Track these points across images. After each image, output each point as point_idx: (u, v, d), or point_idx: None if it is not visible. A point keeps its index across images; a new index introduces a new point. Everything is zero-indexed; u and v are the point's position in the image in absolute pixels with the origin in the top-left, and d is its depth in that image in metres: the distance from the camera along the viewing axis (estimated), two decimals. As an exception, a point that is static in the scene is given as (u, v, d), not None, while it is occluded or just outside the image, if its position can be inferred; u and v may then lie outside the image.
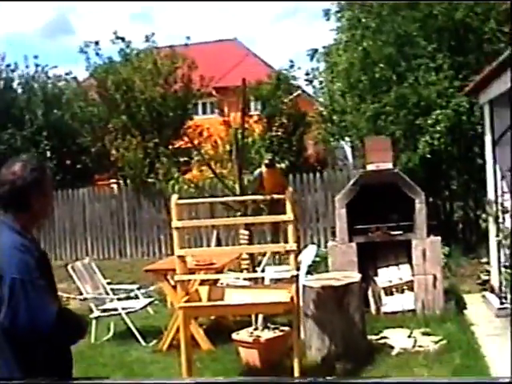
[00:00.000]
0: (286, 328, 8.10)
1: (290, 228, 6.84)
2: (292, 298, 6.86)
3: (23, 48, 56.29)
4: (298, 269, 8.60)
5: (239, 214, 9.59)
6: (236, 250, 7.61)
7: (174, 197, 7.12)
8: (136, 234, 16.53)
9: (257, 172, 7.52)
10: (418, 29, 13.56)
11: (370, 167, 9.90)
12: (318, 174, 15.43)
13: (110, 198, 16.92)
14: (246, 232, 7.61)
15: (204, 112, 27.49)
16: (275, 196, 7.14)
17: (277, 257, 10.59)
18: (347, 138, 18.54)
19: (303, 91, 18.83)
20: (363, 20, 14.22)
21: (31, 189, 3.67)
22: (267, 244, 8.66)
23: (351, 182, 10.06)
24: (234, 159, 8.10)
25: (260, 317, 8.08)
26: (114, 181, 19.99)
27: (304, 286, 7.96)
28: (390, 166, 9.84)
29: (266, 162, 7.52)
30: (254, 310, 7.41)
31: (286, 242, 6.97)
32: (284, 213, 6.88)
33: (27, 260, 3.56)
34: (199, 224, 9.82)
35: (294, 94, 18.50)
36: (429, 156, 12.77)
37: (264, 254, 9.93)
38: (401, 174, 9.78)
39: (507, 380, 3.03)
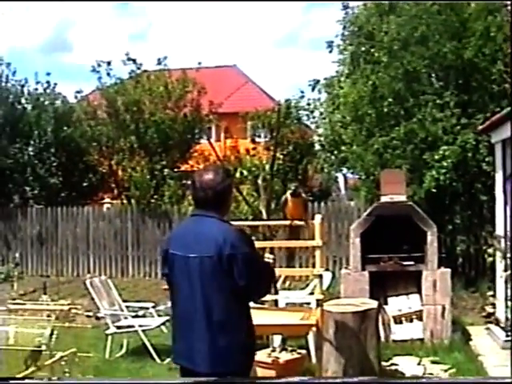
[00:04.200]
0: (303, 351, 8.36)
1: (318, 253, 7.12)
2: (317, 321, 7.11)
3: (22, 64, 56.56)
4: (311, 293, 8.91)
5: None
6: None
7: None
8: (139, 254, 16.68)
9: (283, 198, 7.81)
10: (427, 66, 13.96)
11: (384, 199, 10.23)
12: (322, 204, 15.69)
13: (114, 217, 17.10)
14: (272, 256, 7.85)
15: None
16: (294, 222, 7.46)
17: (287, 282, 10.84)
18: (344, 170, 18.93)
19: (298, 119, 19.02)
20: (375, 54, 14.57)
21: (227, 191, 4.70)
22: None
23: (366, 212, 10.38)
24: (262, 186, 8.40)
25: (278, 339, 8.32)
26: (108, 201, 20.24)
27: (322, 311, 8.22)
28: (403, 198, 10.18)
29: (291, 190, 7.81)
30: (280, 331, 7.66)
31: (313, 266, 7.23)
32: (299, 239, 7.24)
33: (250, 238, 4.87)
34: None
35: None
36: (434, 190, 13.11)
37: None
38: (414, 207, 10.12)
39: (507, 380, 3.15)
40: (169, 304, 10.98)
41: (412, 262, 10.05)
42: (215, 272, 4.49)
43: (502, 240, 10.07)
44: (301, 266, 12.46)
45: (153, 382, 4.18)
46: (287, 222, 7.64)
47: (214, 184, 4.59)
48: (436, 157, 13.12)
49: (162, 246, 5.05)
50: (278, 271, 8.19)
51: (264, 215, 8.17)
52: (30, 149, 18.21)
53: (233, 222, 9.20)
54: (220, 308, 4.54)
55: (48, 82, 18.86)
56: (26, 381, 4.15)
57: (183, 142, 17.77)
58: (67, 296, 14.45)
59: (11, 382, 4.06)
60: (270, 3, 64.00)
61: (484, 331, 10.50)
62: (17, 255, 17.00)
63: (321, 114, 19.38)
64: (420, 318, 9.94)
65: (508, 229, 9.93)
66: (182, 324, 4.71)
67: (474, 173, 13.46)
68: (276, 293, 8.39)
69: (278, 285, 10.21)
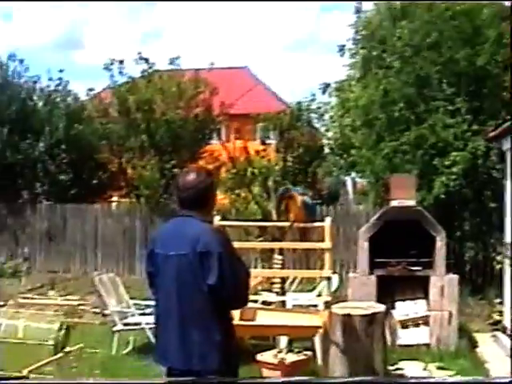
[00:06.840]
0: (309, 352, 8.37)
1: (327, 256, 7.14)
2: (324, 323, 7.13)
3: (34, 61, 56.79)
4: (319, 295, 8.92)
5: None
6: (275, 274, 7.89)
7: (217, 218, 7.41)
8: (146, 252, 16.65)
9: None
10: (439, 72, 13.96)
11: (393, 203, 10.23)
12: (330, 207, 15.69)
13: (123, 215, 17.16)
14: (280, 257, 7.92)
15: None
16: (295, 224, 7.53)
17: (295, 284, 10.84)
18: (353, 173, 18.94)
19: (308, 122, 19.03)
20: (387, 59, 14.59)
21: (209, 190, 4.80)
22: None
23: (375, 216, 10.39)
24: (272, 187, 8.46)
25: (284, 340, 8.34)
26: (116, 199, 20.29)
27: (330, 313, 8.23)
28: (413, 203, 10.18)
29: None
30: (287, 332, 7.68)
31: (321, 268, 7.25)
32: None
33: (226, 238, 4.77)
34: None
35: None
36: (443, 196, 13.11)
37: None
38: (423, 212, 10.11)
39: (507, 380, 3.14)
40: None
41: (420, 268, 10.05)
42: (190, 270, 4.58)
43: (510, 247, 10.07)
44: (308, 268, 12.47)
45: (149, 382, 4.14)
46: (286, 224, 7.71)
47: (195, 183, 4.72)
48: (446, 163, 13.13)
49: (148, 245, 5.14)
50: (287, 273, 8.26)
51: (274, 216, 8.21)
52: (41, 145, 18.23)
53: (240, 223, 9.28)
54: (193, 306, 4.60)
55: (60, 79, 18.98)
56: (26, 381, 4.17)
57: (194, 142, 17.79)
58: (74, 292, 14.51)
59: (11, 381, 4.09)
60: (284, 7, 64.26)
61: (490, 338, 10.49)
62: (25, 250, 17.10)
63: (331, 117, 19.39)
64: (426, 324, 9.94)
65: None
66: (161, 322, 4.81)
67: (483, 180, 13.47)
68: (283, 294, 8.45)
69: (286, 285, 10.27)
